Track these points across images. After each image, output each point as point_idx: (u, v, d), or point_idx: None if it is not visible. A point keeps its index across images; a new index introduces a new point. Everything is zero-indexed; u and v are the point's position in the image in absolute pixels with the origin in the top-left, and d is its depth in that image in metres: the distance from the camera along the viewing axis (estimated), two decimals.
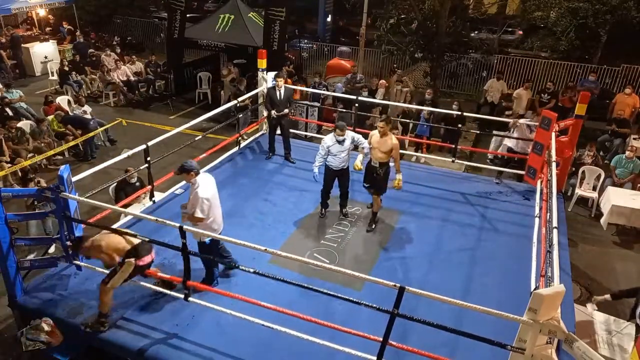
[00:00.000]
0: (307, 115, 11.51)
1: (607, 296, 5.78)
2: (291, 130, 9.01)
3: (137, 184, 7.41)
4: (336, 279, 5.20)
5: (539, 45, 17.05)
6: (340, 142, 6.31)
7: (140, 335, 4.52)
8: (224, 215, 6.49)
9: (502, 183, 7.93)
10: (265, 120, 9.07)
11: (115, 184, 6.96)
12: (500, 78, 13.05)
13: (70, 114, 11.02)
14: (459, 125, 8.41)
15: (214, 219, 4.96)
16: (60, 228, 4.99)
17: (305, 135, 10.25)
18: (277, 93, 7.84)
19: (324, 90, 11.46)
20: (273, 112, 7.92)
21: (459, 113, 9.86)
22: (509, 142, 8.38)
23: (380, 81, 12.74)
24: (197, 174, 4.87)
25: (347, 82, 12.76)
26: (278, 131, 8.23)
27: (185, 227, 4.35)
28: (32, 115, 11.33)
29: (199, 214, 4.76)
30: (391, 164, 6.40)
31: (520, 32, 19.98)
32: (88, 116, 10.96)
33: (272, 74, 8.58)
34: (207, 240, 4.87)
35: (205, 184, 4.86)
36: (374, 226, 6.49)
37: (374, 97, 11.53)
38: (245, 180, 7.58)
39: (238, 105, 8.78)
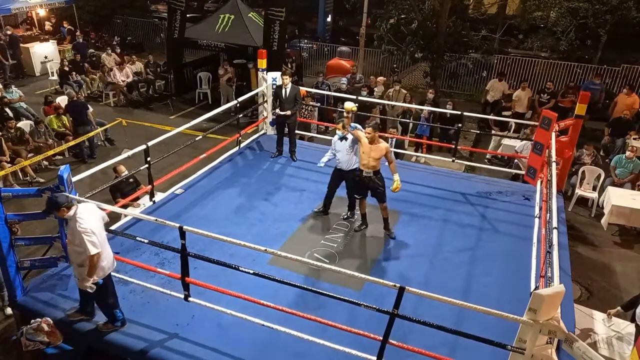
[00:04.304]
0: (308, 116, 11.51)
1: (619, 308, 5.74)
2: (302, 132, 9.03)
3: (131, 180, 7.39)
4: (336, 279, 5.20)
5: (539, 45, 17.05)
6: (342, 139, 6.32)
7: (140, 336, 4.51)
8: (224, 215, 6.56)
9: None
10: (265, 120, 9.09)
11: (109, 187, 6.80)
12: (501, 79, 12.99)
13: None
14: (459, 125, 8.41)
15: (104, 256, 4.31)
16: (60, 228, 5.00)
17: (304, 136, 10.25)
18: (283, 91, 7.85)
19: (326, 89, 11.45)
20: (277, 110, 7.95)
21: (458, 113, 9.86)
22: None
23: (378, 78, 12.73)
24: (69, 207, 4.20)
25: (347, 82, 12.76)
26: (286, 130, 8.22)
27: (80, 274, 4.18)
28: (32, 115, 11.34)
29: (92, 250, 4.11)
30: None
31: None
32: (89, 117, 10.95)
33: (272, 74, 8.59)
34: (100, 280, 4.33)
35: (86, 215, 4.22)
36: (392, 231, 6.32)
37: (374, 96, 11.52)
38: (245, 180, 7.58)
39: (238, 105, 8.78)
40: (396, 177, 6.05)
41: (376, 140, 5.92)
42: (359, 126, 6.24)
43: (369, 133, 5.89)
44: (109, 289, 4.50)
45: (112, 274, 4.94)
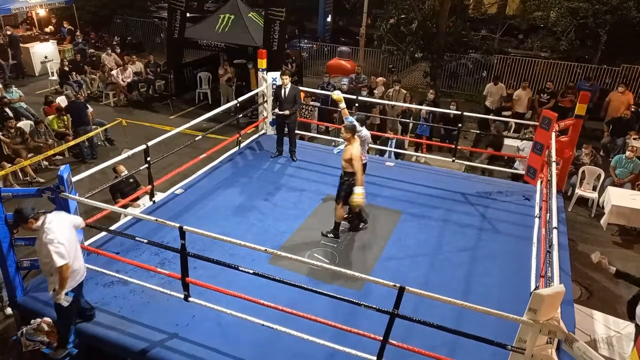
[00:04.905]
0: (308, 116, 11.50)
1: (613, 268, 5.43)
2: (302, 132, 9.04)
3: (131, 180, 7.39)
4: (336, 279, 5.20)
5: (539, 45, 17.06)
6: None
7: (140, 336, 4.51)
8: (224, 215, 6.56)
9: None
10: (265, 120, 9.09)
11: (109, 187, 6.72)
12: (497, 82, 12.62)
13: None
14: (459, 125, 8.42)
15: (74, 266, 4.26)
16: None
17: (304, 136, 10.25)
18: (282, 91, 7.85)
19: (332, 90, 11.43)
20: (276, 110, 7.95)
21: (458, 113, 9.87)
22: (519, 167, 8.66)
23: (378, 79, 12.72)
24: (36, 218, 4.13)
25: (351, 82, 12.76)
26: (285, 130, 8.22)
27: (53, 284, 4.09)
28: (32, 115, 11.34)
29: (59, 261, 4.00)
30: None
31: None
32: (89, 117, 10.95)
33: (272, 74, 8.60)
34: (69, 293, 4.26)
35: (54, 225, 4.13)
36: (330, 235, 6.20)
37: (374, 96, 11.52)
38: (245, 180, 7.58)
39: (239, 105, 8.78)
40: (357, 190, 5.73)
41: (349, 143, 5.91)
42: (353, 120, 6.26)
43: (342, 133, 5.99)
44: (74, 305, 4.36)
45: (112, 274, 4.96)
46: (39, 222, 4.14)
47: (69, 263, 4.09)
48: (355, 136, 5.96)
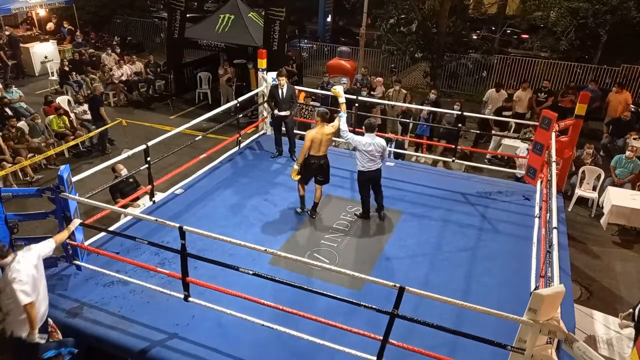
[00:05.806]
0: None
1: (629, 324, 5.59)
2: (302, 132, 9.00)
3: (131, 180, 7.38)
4: (336, 279, 5.20)
5: (539, 45, 17.07)
6: None
7: (140, 336, 4.51)
8: (224, 215, 6.56)
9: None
10: (265, 120, 9.09)
11: (109, 187, 6.67)
12: (499, 89, 12.16)
13: (70, 114, 11.03)
14: (459, 125, 8.42)
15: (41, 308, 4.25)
16: (59, 229, 5.00)
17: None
18: (280, 91, 7.85)
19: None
20: (275, 110, 7.94)
21: (459, 113, 9.87)
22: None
23: (377, 79, 12.72)
24: (4, 256, 4.05)
25: (355, 82, 12.76)
26: (283, 129, 8.20)
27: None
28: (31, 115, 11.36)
29: (24, 299, 3.97)
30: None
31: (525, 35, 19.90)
32: (88, 116, 10.96)
33: (272, 74, 8.59)
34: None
35: (22, 265, 4.07)
36: (314, 217, 6.62)
37: (373, 96, 11.52)
38: (245, 180, 7.58)
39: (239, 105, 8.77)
40: (294, 165, 6.49)
41: (317, 125, 6.33)
42: (342, 116, 6.48)
43: (315, 115, 6.44)
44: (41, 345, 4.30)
45: (112, 274, 4.97)
46: (7, 260, 4.09)
47: (34, 301, 4.07)
48: (327, 125, 6.36)
